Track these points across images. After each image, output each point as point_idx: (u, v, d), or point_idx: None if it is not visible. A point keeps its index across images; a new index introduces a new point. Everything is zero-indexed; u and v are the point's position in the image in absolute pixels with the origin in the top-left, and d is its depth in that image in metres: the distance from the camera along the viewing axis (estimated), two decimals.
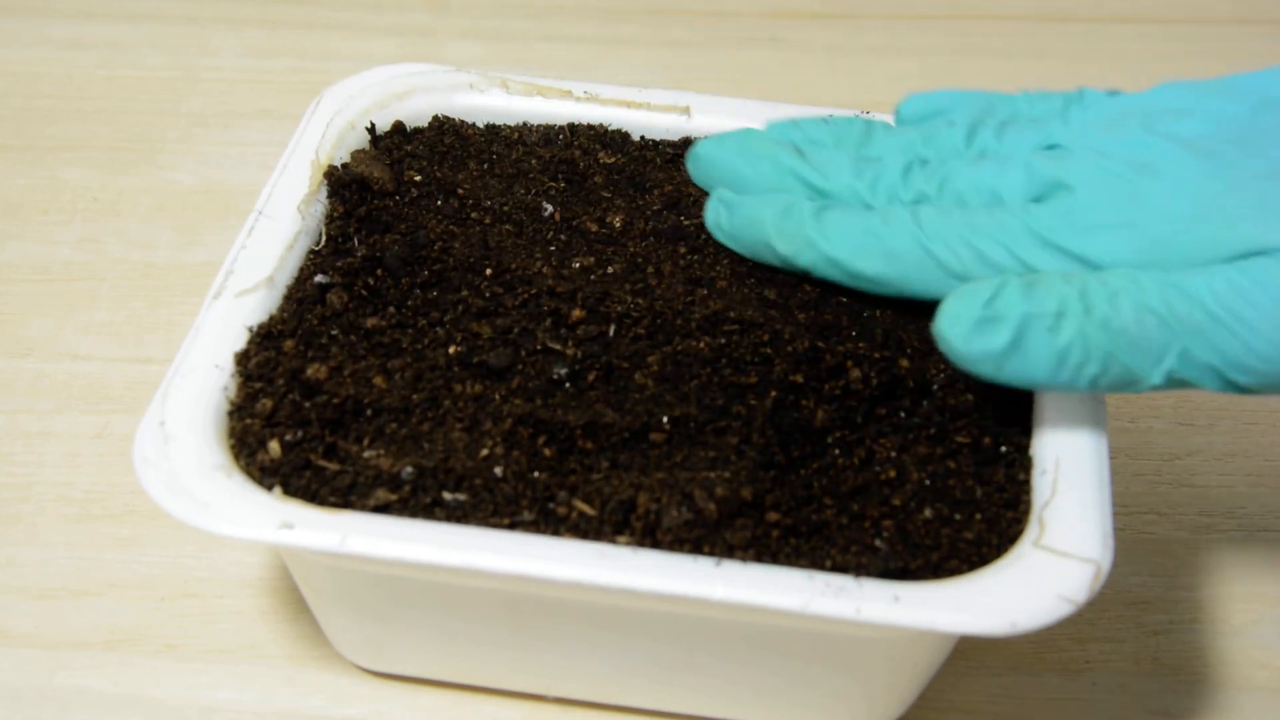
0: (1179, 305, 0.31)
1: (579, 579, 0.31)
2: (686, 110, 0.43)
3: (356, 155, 0.41)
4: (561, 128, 0.43)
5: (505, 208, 0.40)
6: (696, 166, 0.40)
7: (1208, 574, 0.42)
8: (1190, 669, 0.40)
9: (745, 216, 0.38)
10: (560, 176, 0.42)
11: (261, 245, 0.38)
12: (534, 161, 0.42)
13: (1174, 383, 0.32)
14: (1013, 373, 0.32)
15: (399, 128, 0.43)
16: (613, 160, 0.42)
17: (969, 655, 0.40)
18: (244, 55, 0.62)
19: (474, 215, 0.40)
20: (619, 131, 0.43)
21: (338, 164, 0.41)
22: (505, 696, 0.38)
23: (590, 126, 0.44)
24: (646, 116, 0.44)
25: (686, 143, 0.43)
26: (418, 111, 0.44)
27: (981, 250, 0.34)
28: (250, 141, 0.57)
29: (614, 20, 0.65)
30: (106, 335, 0.49)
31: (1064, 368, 0.32)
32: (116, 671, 0.39)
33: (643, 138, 0.44)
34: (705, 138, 0.40)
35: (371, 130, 0.43)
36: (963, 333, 0.32)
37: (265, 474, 0.33)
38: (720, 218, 0.38)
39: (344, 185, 0.40)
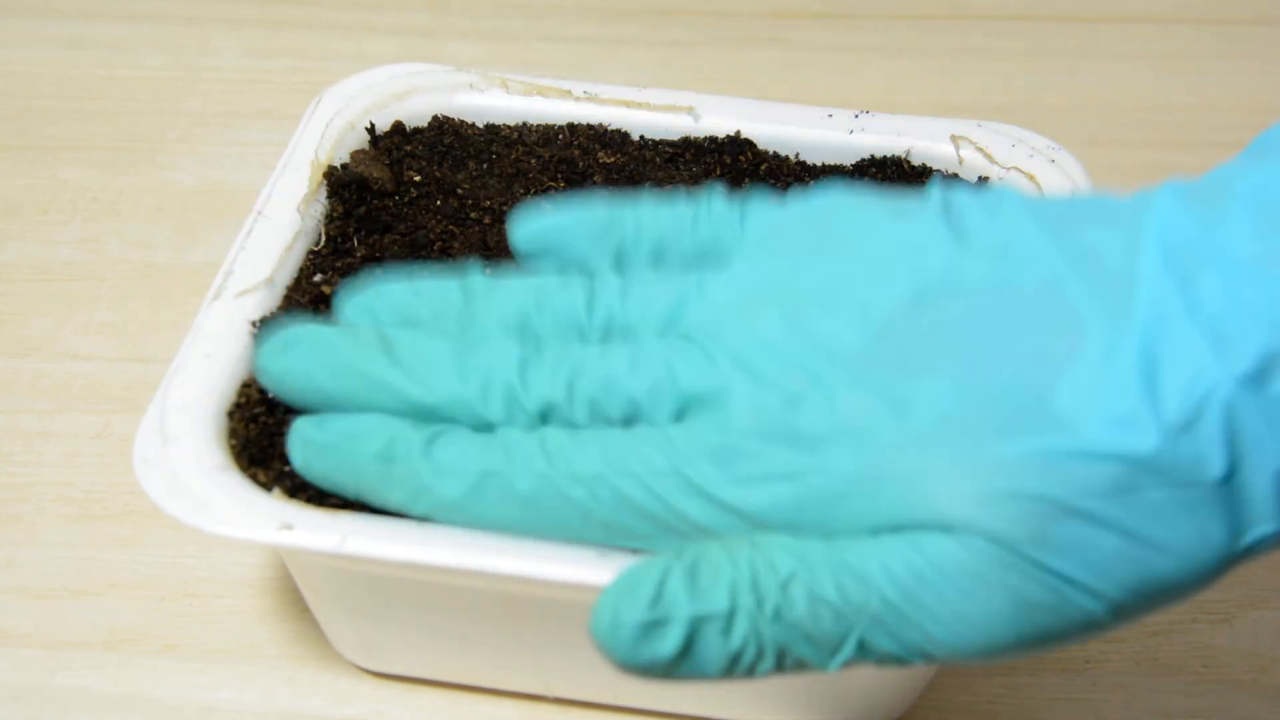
0: (854, 593, 0.27)
1: (579, 579, 0.31)
2: (690, 110, 0.43)
3: (356, 155, 0.41)
4: (561, 127, 0.43)
5: (505, 208, 0.40)
6: (268, 380, 0.31)
7: None
8: (1190, 669, 0.40)
9: (336, 461, 0.30)
10: (560, 176, 0.42)
11: (261, 246, 0.38)
12: (534, 161, 0.42)
13: (853, 664, 0.28)
14: (681, 676, 0.27)
15: (399, 128, 0.43)
16: (612, 160, 0.42)
17: None
18: (244, 55, 0.62)
19: (473, 215, 0.40)
20: (618, 131, 0.43)
21: (337, 164, 0.41)
22: (504, 696, 0.38)
23: (590, 126, 0.44)
24: (646, 116, 0.44)
25: (687, 142, 0.43)
26: (417, 111, 0.44)
27: (626, 495, 0.28)
28: (250, 141, 0.57)
29: (614, 20, 0.65)
30: (106, 335, 0.49)
31: (738, 667, 0.27)
32: (116, 671, 0.39)
33: (642, 137, 0.44)
34: (266, 344, 0.31)
35: (371, 130, 0.43)
36: (626, 642, 0.27)
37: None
38: (309, 462, 0.30)
39: (344, 185, 0.40)
